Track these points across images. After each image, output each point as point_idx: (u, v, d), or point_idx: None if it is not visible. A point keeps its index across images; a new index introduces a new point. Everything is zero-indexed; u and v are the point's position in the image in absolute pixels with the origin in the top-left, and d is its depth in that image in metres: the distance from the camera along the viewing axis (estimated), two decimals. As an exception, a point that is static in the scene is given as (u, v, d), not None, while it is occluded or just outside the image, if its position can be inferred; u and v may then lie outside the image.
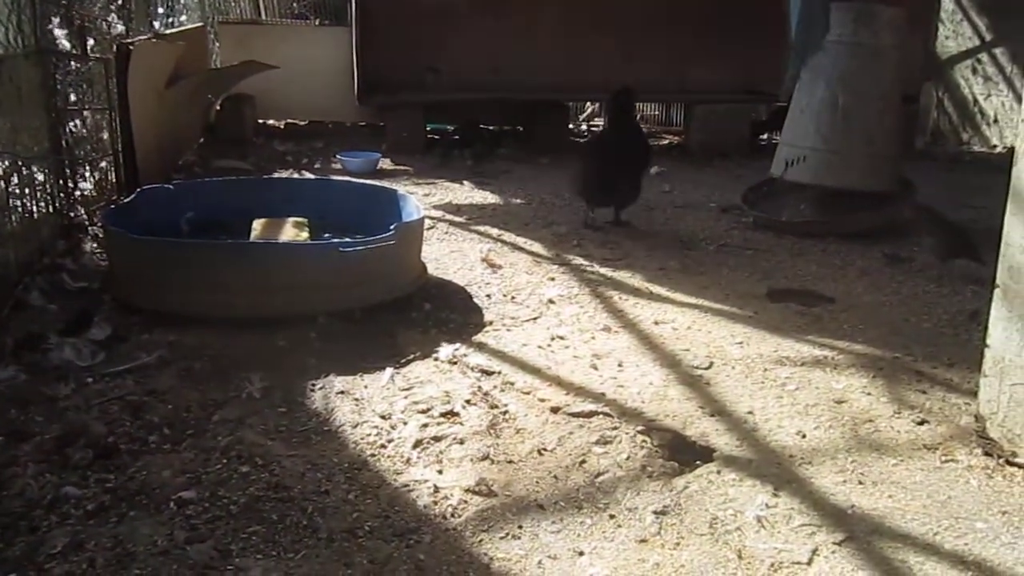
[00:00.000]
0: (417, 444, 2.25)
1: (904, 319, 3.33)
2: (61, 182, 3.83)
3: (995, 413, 2.29)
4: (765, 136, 7.42)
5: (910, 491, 2.11)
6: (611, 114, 4.66)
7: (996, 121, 7.70)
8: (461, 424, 2.36)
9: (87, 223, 3.93)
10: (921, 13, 7.03)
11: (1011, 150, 2.35)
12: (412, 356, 2.80)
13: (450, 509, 1.99)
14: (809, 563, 1.83)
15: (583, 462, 2.21)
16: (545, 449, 2.27)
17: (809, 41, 4.56)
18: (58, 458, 2.11)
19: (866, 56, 4.50)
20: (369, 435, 2.30)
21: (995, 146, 7.63)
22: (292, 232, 3.50)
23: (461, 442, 2.27)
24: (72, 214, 3.90)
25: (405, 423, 2.36)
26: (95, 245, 3.76)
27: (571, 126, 7.91)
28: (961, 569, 1.81)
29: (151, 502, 1.96)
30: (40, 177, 3.63)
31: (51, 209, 3.70)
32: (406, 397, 2.51)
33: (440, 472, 2.14)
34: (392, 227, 3.14)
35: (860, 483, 2.14)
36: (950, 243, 3.84)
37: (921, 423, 2.46)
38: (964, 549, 1.88)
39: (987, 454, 2.28)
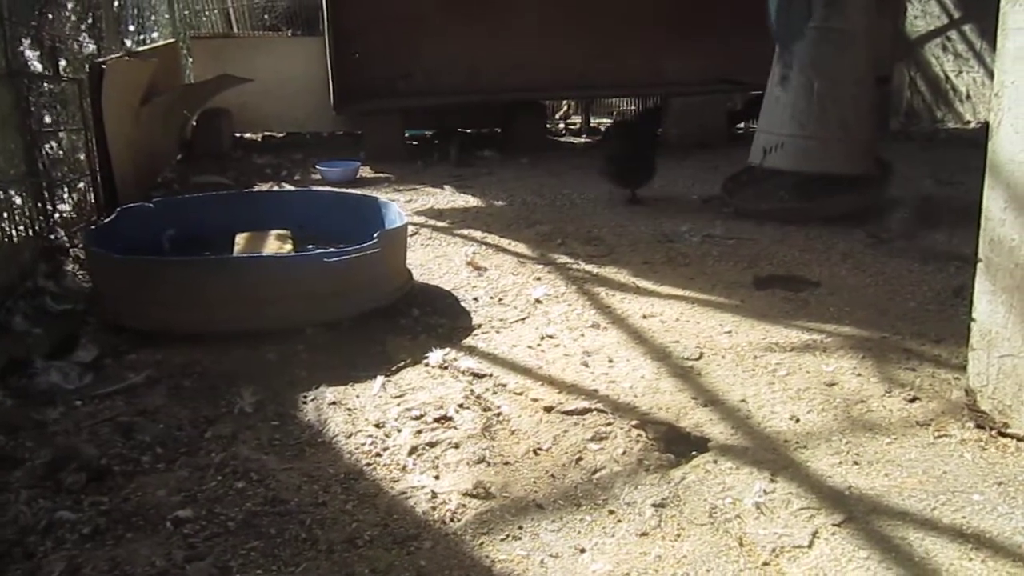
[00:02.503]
0: (412, 451, 2.25)
1: (889, 299, 3.36)
2: (39, 205, 3.80)
3: (985, 386, 2.31)
4: (742, 125, 7.45)
5: (906, 468, 2.12)
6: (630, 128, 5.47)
7: (969, 97, 7.77)
8: (455, 428, 2.35)
9: (68, 245, 3.90)
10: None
11: (986, 125, 2.37)
12: (403, 363, 2.79)
13: (449, 514, 1.99)
14: (810, 546, 1.84)
15: (579, 459, 2.21)
16: (541, 449, 2.27)
17: (791, 28, 4.57)
18: (50, 483, 2.09)
19: (838, 40, 4.52)
20: (364, 444, 2.29)
21: (969, 122, 7.71)
22: (275, 245, 3.49)
23: (456, 446, 2.26)
24: (52, 236, 3.87)
25: (399, 430, 2.35)
26: (77, 267, 3.73)
27: (548, 125, 7.91)
28: (961, 542, 1.83)
29: (147, 523, 1.94)
30: (18, 201, 3.60)
31: (31, 232, 3.67)
32: (399, 404, 2.50)
33: (437, 477, 2.14)
34: (375, 235, 3.13)
35: (856, 464, 2.15)
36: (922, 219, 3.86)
37: (912, 400, 2.48)
38: (962, 522, 1.90)
39: (979, 427, 2.30)
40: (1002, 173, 2.21)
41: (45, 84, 4.13)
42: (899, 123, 7.84)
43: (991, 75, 2.44)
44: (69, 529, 1.92)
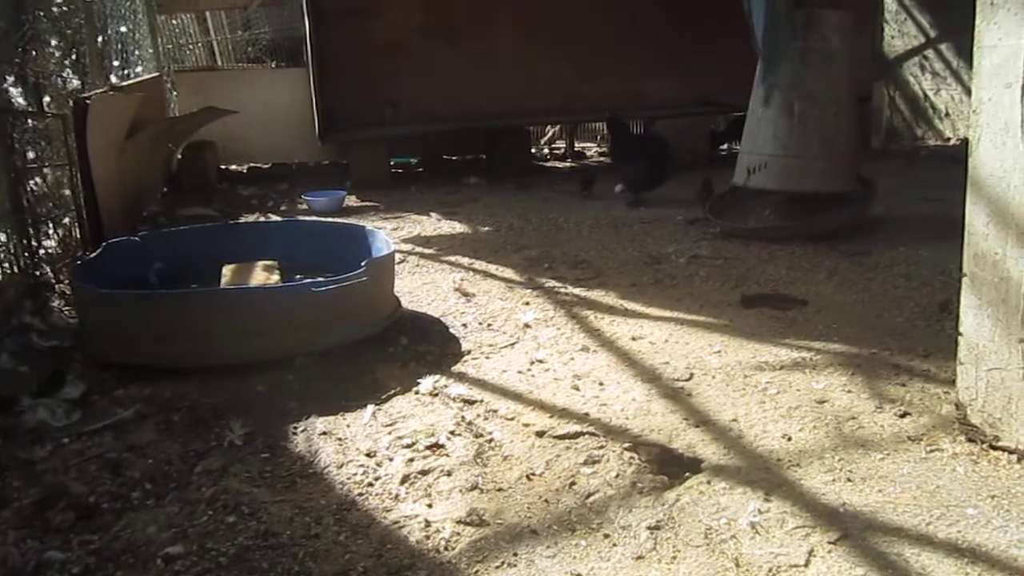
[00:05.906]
0: (404, 479, 2.23)
1: (877, 315, 3.37)
2: (24, 241, 3.78)
3: (975, 399, 2.32)
4: (725, 146, 7.52)
5: (899, 484, 2.12)
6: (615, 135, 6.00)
7: (948, 115, 7.87)
8: (447, 456, 2.34)
9: (53, 281, 3.88)
10: (866, 15, 7.20)
11: (965, 141, 2.40)
12: (393, 391, 2.78)
13: (443, 542, 1.97)
14: (806, 565, 1.83)
15: (573, 484, 2.20)
16: (534, 474, 2.26)
17: (777, 49, 4.61)
18: (39, 522, 2.07)
19: (817, 61, 4.59)
20: (355, 474, 2.27)
21: (948, 138, 7.80)
22: (263, 276, 3.48)
23: (449, 474, 2.25)
24: (37, 273, 3.84)
25: (391, 459, 2.34)
26: (63, 303, 3.70)
27: (533, 150, 7.96)
28: (956, 556, 1.82)
29: (137, 560, 1.92)
30: (2, 237, 3.57)
31: (15, 269, 3.65)
32: (390, 433, 2.48)
33: (430, 506, 2.12)
34: (363, 264, 3.13)
35: (849, 480, 2.15)
36: None
37: (903, 416, 2.48)
38: (957, 536, 1.90)
39: (971, 440, 2.30)
40: (983, 188, 2.23)
41: (29, 120, 4.12)
42: (880, 141, 7.93)
43: (969, 92, 2.47)
44: (58, 569, 1.89)
